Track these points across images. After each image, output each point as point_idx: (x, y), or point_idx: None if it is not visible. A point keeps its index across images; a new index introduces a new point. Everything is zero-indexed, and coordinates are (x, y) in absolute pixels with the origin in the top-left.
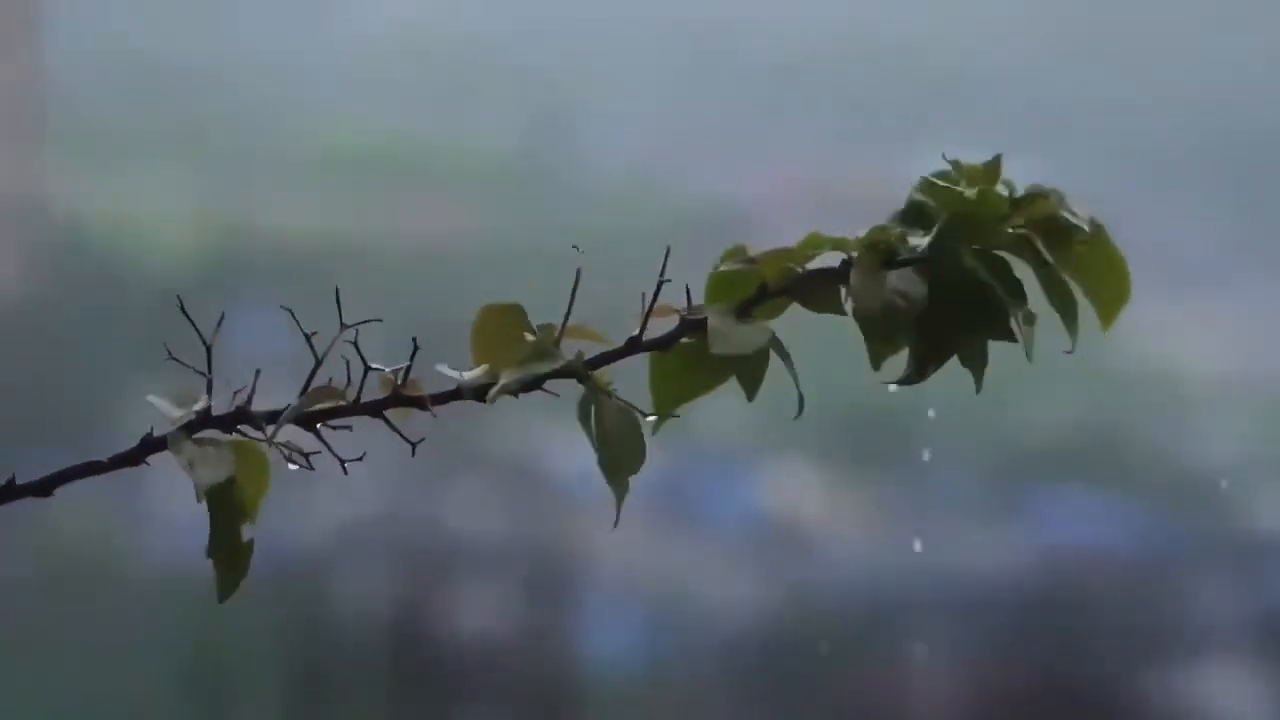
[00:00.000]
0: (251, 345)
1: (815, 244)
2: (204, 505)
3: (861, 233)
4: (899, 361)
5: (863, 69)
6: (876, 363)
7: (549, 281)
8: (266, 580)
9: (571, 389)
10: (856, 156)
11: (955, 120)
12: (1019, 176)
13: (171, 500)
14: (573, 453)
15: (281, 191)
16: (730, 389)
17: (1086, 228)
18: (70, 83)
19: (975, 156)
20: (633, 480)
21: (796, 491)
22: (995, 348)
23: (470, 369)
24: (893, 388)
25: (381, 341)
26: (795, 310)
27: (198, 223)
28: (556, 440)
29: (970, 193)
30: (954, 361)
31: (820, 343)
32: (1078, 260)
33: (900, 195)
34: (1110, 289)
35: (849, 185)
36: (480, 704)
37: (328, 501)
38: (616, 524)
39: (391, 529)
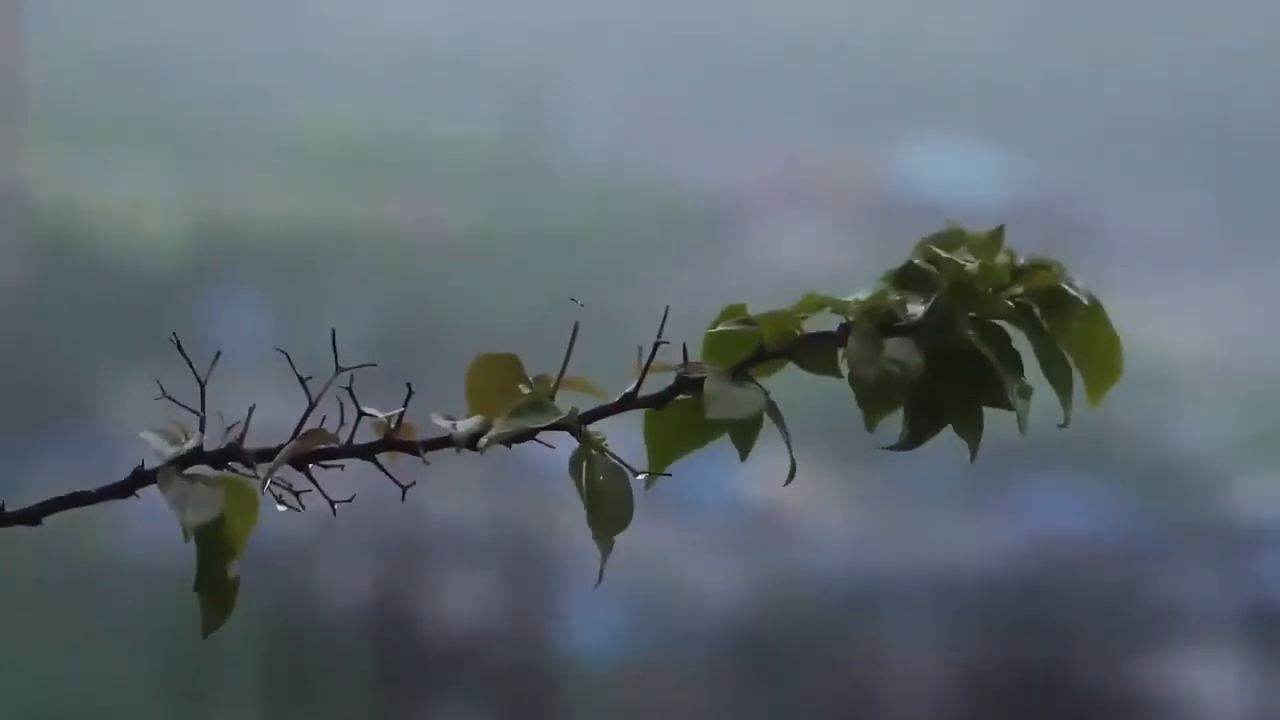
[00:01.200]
0: (232, 332)
1: (813, 305)
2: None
3: (862, 296)
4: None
5: (847, 59)
6: (871, 425)
7: (530, 270)
8: (249, 569)
9: (566, 439)
10: (839, 144)
11: (941, 110)
12: (1006, 167)
13: (153, 492)
14: (555, 441)
15: (264, 181)
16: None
17: (1085, 301)
18: (52, 73)
19: (961, 146)
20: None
21: (779, 480)
22: None
23: (463, 409)
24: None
25: (367, 335)
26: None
27: (180, 212)
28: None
29: (972, 266)
30: None
31: None
32: (1073, 335)
33: (884, 183)
34: (1102, 365)
35: (831, 172)
36: (463, 690)
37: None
38: (599, 583)
39: (374, 518)
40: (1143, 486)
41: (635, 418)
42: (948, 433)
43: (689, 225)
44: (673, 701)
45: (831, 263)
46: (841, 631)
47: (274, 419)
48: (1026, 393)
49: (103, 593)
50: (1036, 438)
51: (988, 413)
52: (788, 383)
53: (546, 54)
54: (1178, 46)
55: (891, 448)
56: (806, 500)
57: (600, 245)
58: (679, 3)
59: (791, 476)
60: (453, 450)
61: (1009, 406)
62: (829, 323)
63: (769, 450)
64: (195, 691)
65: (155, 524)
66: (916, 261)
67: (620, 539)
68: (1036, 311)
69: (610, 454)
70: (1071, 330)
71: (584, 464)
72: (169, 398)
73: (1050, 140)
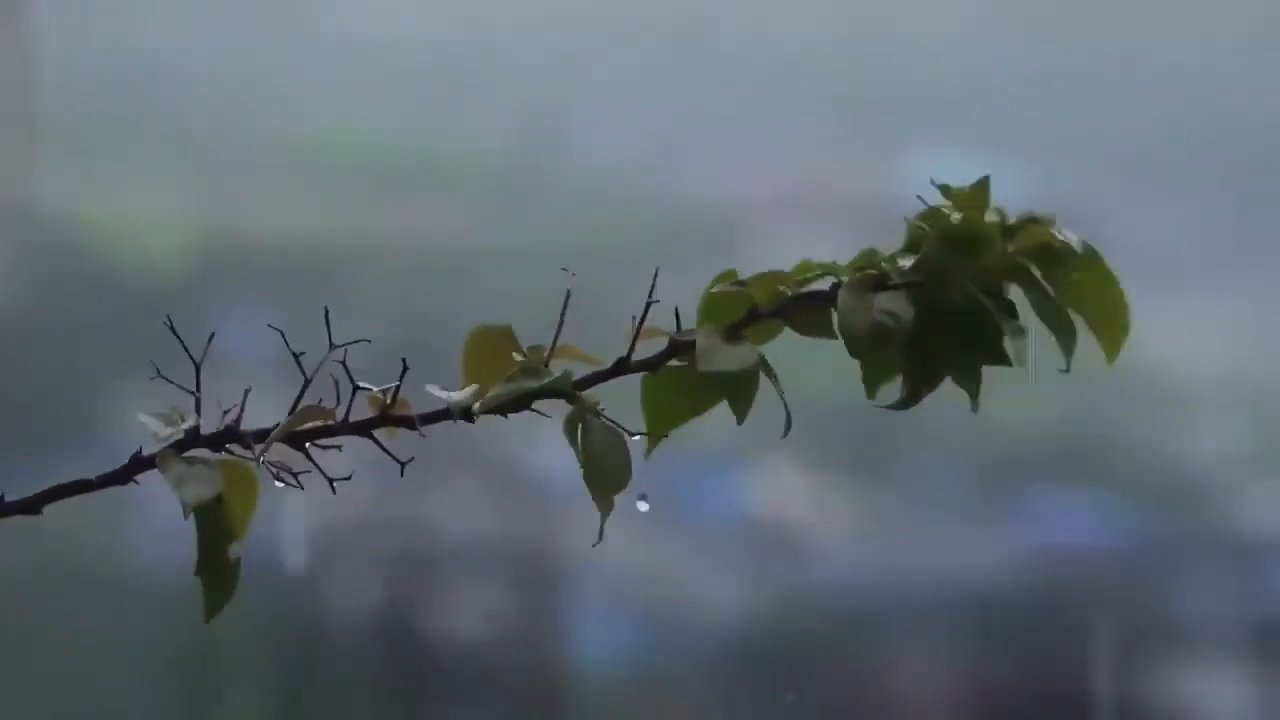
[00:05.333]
0: (240, 348)
1: (806, 269)
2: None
3: (851, 256)
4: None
5: (853, 70)
6: (871, 390)
7: (538, 284)
8: (252, 581)
9: (562, 410)
10: (847, 158)
11: (946, 121)
12: (1011, 178)
13: (158, 500)
14: (560, 453)
15: (272, 194)
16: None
17: (1079, 250)
18: (59, 83)
19: (966, 158)
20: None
21: (785, 492)
22: None
23: (459, 387)
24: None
25: (371, 350)
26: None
27: (187, 225)
28: (544, 440)
29: (956, 217)
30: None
31: (809, 342)
32: (1074, 289)
33: (890, 196)
34: (1110, 318)
35: (839, 186)
36: (468, 706)
37: (314, 502)
38: (599, 541)
39: (378, 530)
40: (1152, 498)
41: (632, 388)
42: (953, 445)
43: (699, 238)
44: (680, 715)
45: None
46: (849, 645)
47: (276, 417)
48: (1019, 333)
49: (108, 609)
50: (1042, 449)
51: (992, 412)
52: (794, 398)
53: (557, 69)
54: (1187, 57)
55: (890, 406)
56: (813, 514)
57: (610, 259)
58: (689, 18)
59: (788, 430)
60: (458, 465)
61: (1006, 361)
62: (822, 287)
63: (774, 466)
64: (201, 707)
65: (159, 541)
66: (914, 223)
67: (628, 552)
68: (1034, 269)
69: (605, 417)
70: (1071, 284)
71: (579, 428)
72: (164, 377)
73: (1058, 153)
